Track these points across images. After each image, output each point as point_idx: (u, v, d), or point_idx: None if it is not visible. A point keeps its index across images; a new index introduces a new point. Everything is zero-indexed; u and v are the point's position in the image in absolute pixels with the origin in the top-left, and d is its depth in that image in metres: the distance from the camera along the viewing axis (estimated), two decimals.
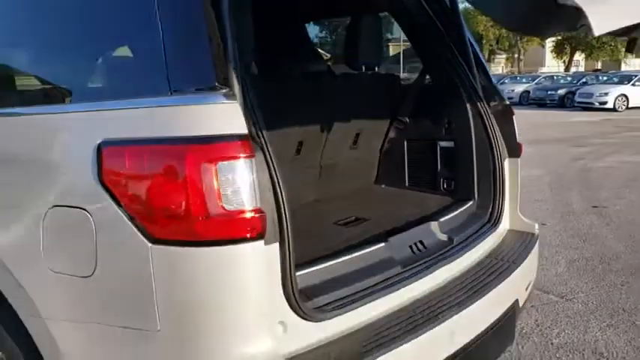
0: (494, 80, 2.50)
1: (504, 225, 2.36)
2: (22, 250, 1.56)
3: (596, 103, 21.72)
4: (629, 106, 21.65)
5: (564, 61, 50.23)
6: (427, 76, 2.68)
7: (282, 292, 1.38)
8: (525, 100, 25.66)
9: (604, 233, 5.20)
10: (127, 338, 1.38)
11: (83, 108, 1.51)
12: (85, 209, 1.40)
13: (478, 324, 1.80)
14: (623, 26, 1.35)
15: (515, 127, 2.45)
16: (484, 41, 44.83)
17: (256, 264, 1.31)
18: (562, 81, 28.25)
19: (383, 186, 2.79)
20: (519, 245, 2.28)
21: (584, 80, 26.52)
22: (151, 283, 1.32)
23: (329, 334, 1.48)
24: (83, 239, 1.41)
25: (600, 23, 1.20)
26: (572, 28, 1.35)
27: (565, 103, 23.88)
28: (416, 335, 1.56)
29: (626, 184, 7.40)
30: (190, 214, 1.27)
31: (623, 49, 45.60)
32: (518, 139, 2.44)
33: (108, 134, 1.38)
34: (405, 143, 2.71)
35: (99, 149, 1.37)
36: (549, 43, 52.40)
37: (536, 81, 28.80)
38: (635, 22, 1.37)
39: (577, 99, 22.73)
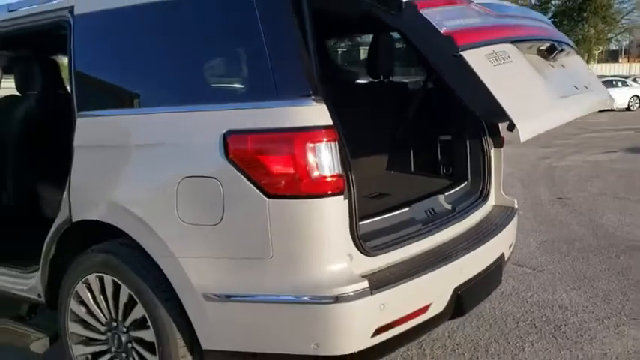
0: None
1: (491, 200, 3.05)
2: (159, 209, 2.16)
3: None
4: None
5: None
6: (429, 83, 3.34)
7: (350, 233, 2.01)
8: None
9: (567, 219, 5.97)
10: (247, 264, 2.00)
11: (211, 108, 2.12)
12: (214, 177, 2.02)
13: (478, 264, 2.47)
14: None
15: (499, 124, 3.13)
16: None
17: (337, 212, 1.95)
18: None
19: (392, 172, 3.44)
20: (503, 215, 2.96)
21: None
22: (267, 225, 1.94)
23: (379, 266, 2.13)
24: (212, 198, 2.02)
25: (525, 135, 1.81)
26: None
27: None
28: (436, 267, 2.22)
29: (584, 179, 8.25)
30: (296, 177, 1.90)
31: (587, 55, 47.19)
32: (501, 133, 3.12)
33: (231, 126, 2.01)
34: (412, 137, 3.37)
35: (224, 137, 2.00)
36: None
37: None
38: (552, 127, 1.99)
39: None
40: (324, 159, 1.92)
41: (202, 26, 2.23)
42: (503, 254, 2.76)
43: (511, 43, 2.10)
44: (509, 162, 9.38)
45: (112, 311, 2.44)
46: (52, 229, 2.60)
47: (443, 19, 1.89)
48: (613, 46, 72.70)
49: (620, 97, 23.89)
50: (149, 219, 2.18)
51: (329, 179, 1.93)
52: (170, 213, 2.12)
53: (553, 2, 48.61)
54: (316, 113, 1.94)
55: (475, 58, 1.85)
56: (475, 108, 2.14)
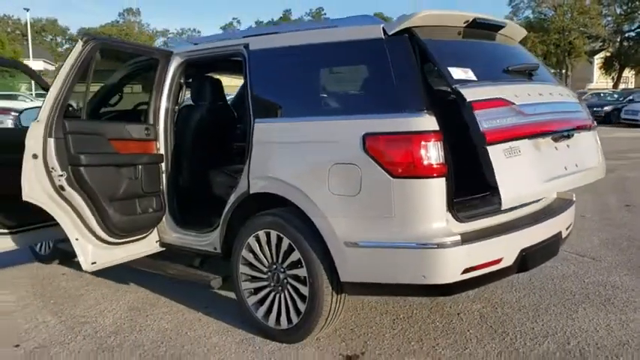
0: None
1: (554, 193, 3.91)
2: (316, 184, 3.18)
3: None
4: None
5: (613, 78, 50.33)
6: None
7: (447, 204, 2.97)
8: None
9: (633, 223, 6.63)
10: (376, 220, 3.00)
11: (355, 118, 3.15)
12: (355, 164, 3.04)
13: (538, 235, 3.36)
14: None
15: None
16: None
17: (440, 188, 2.91)
18: (608, 98, 28.95)
19: None
20: (562, 204, 3.82)
21: (630, 97, 27.26)
22: (391, 195, 2.94)
23: (469, 229, 3.05)
24: (353, 177, 3.04)
25: (505, 205, 2.83)
26: None
27: (611, 119, 24.75)
28: (507, 233, 3.14)
29: None
30: (413, 164, 2.89)
31: None
32: None
33: (369, 130, 3.02)
34: None
35: (363, 137, 3.02)
36: (597, 59, 52.57)
37: (583, 97, 29.62)
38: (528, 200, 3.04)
39: (623, 115, 23.65)
40: (432, 152, 2.90)
41: (348, 63, 3.28)
42: (560, 232, 3.63)
43: (527, 138, 3.04)
44: None
45: (274, 257, 3.50)
46: (232, 199, 3.70)
47: (484, 119, 2.85)
48: None
49: None
50: (308, 191, 3.23)
51: (435, 166, 2.90)
52: (323, 187, 3.16)
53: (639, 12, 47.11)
54: (427, 122, 2.92)
55: (494, 151, 2.84)
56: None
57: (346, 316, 3.86)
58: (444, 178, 2.91)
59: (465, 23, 3.35)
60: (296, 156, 3.35)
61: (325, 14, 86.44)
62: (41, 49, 67.06)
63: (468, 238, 2.94)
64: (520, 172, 2.98)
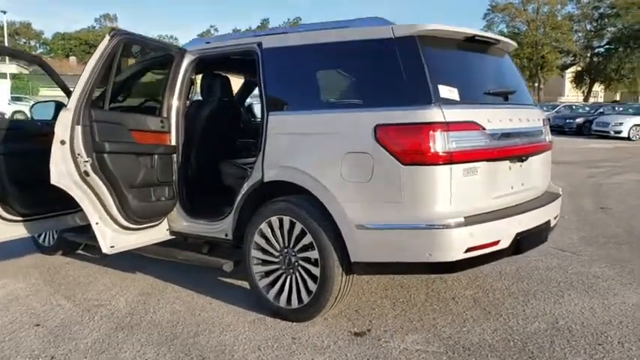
0: None
1: (544, 187, 4.22)
2: (329, 172, 3.42)
3: (612, 132, 23.47)
4: None
5: (583, 92, 51.74)
6: None
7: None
8: None
9: (608, 223, 7.02)
10: (386, 205, 3.26)
11: (367, 110, 3.41)
12: (367, 152, 3.30)
13: (531, 222, 3.66)
14: None
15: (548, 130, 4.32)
16: None
17: (445, 175, 3.19)
18: (580, 110, 29.83)
19: None
20: (551, 196, 4.13)
21: (601, 110, 28.16)
22: (400, 182, 3.20)
23: (471, 212, 3.32)
24: (365, 165, 3.30)
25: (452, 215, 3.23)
26: None
27: (582, 130, 25.55)
28: (505, 217, 3.43)
29: (629, 194, 9.22)
30: (421, 152, 3.16)
31: None
32: (549, 138, 4.30)
33: (380, 121, 3.29)
34: None
35: (375, 128, 3.29)
36: (569, 74, 54.02)
37: (555, 110, 30.47)
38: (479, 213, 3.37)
39: (594, 127, 24.41)
40: (438, 142, 3.18)
41: (360, 60, 3.55)
42: (549, 221, 3.94)
43: (487, 161, 3.39)
44: (558, 178, 10.46)
45: (286, 241, 3.74)
46: (245, 188, 3.93)
47: (455, 140, 3.20)
48: None
49: None
50: (322, 178, 3.48)
51: (441, 154, 3.18)
52: (336, 174, 3.41)
53: (609, 29, 48.64)
54: (435, 114, 3.20)
55: (456, 170, 3.22)
56: None
57: (349, 300, 4.11)
58: (449, 166, 3.19)
59: (464, 38, 3.65)
60: (310, 146, 3.59)
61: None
62: None
63: (470, 221, 3.22)
64: (472, 190, 3.34)
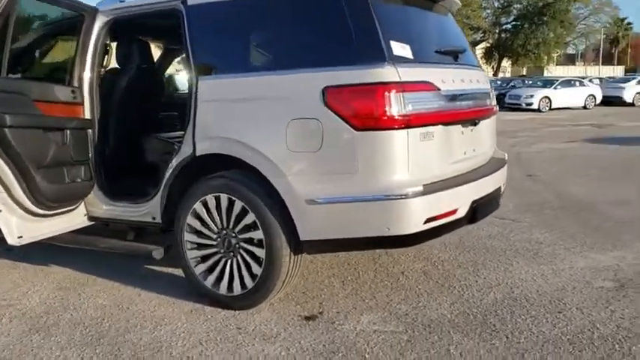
0: None
1: (491, 153, 4.06)
2: (272, 142, 3.06)
3: (523, 104, 24.43)
4: (552, 107, 24.45)
5: (493, 67, 53.66)
6: None
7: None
8: None
9: (537, 189, 7.09)
10: (340, 177, 2.94)
11: (313, 71, 3.04)
12: (315, 118, 2.96)
13: (485, 188, 3.48)
14: None
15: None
16: None
17: (404, 140, 2.91)
18: (492, 84, 30.76)
19: None
20: (498, 162, 3.97)
21: (512, 84, 29.25)
22: (354, 150, 2.89)
23: (428, 179, 3.07)
24: (314, 133, 2.96)
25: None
26: None
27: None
28: (463, 184, 3.21)
29: (549, 161, 9.45)
30: (376, 116, 2.86)
31: (546, 57, 49.36)
32: (494, 104, 4.14)
33: (329, 83, 2.94)
34: None
35: (323, 90, 2.94)
36: (479, 50, 55.87)
37: None
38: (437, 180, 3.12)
39: (507, 100, 25.26)
40: (395, 104, 2.88)
41: (302, 14, 3.18)
42: (500, 187, 3.78)
43: (442, 124, 3.14)
44: None
45: (224, 221, 3.35)
46: (173, 164, 3.49)
47: (411, 102, 2.92)
48: (570, 50, 75.84)
49: (578, 96, 25.64)
50: (264, 149, 3.10)
51: (398, 118, 2.89)
52: (281, 144, 3.05)
53: (515, 6, 50.61)
54: (390, 72, 2.90)
55: (413, 134, 2.94)
56: None
57: (295, 282, 3.79)
58: (406, 130, 2.91)
59: None
60: (248, 113, 3.21)
61: None
62: None
63: (429, 190, 2.97)
64: (429, 156, 3.09)
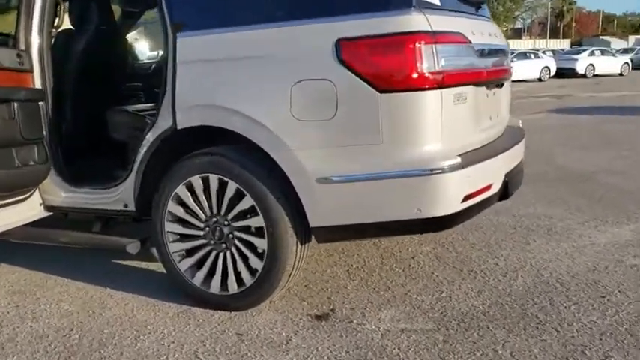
0: None
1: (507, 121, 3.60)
2: (273, 109, 2.52)
3: None
4: None
5: None
6: None
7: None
8: None
9: (527, 161, 6.74)
10: (358, 149, 2.43)
11: (323, 20, 2.48)
12: (328, 79, 2.43)
13: (515, 159, 3.05)
14: None
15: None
16: None
17: (437, 101, 2.41)
18: None
19: None
20: (518, 131, 3.51)
21: None
22: (377, 116, 2.38)
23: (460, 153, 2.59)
24: (326, 97, 2.43)
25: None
26: None
27: None
28: (498, 155, 2.76)
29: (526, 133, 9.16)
30: (404, 74, 2.35)
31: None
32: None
33: (344, 34, 2.41)
34: None
35: (337, 43, 2.41)
36: None
37: None
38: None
39: None
40: (426, 58, 2.38)
41: None
42: (522, 159, 3.35)
43: (474, 84, 2.69)
44: None
45: (214, 208, 2.80)
46: (149, 140, 2.89)
47: (444, 57, 2.42)
48: (518, 24, 77.08)
49: (533, 68, 25.77)
50: (264, 119, 2.55)
51: (430, 75, 2.39)
52: (284, 112, 2.51)
53: None
54: (419, 20, 2.39)
55: (447, 95, 2.46)
56: None
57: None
58: (440, 90, 2.42)
59: None
60: (242, 75, 2.64)
61: None
62: None
63: (466, 162, 2.49)
64: (462, 122, 2.63)
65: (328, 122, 2.46)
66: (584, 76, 27.41)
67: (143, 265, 3.53)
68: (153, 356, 2.48)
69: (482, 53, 2.79)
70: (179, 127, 2.79)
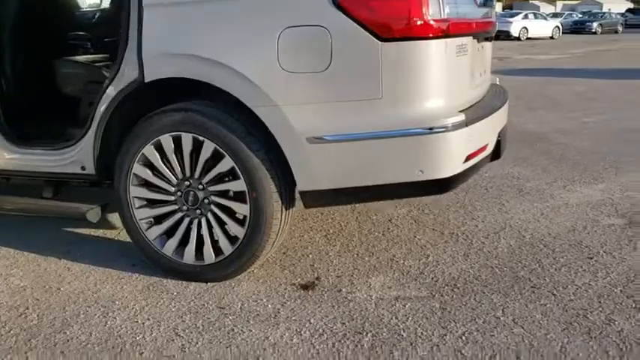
0: None
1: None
2: (258, 59, 2.25)
3: None
4: None
5: None
6: None
7: None
8: None
9: None
10: (356, 106, 2.21)
11: None
12: (321, 25, 2.18)
13: (504, 118, 2.92)
14: None
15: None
16: None
17: (442, 52, 2.22)
18: None
19: None
20: (500, 89, 3.37)
21: None
22: (378, 68, 2.16)
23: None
24: (319, 46, 2.19)
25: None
26: None
27: None
28: (494, 112, 2.61)
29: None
30: (409, 21, 2.13)
31: None
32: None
33: None
34: None
35: None
36: None
37: None
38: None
39: None
40: (432, 4, 2.17)
41: None
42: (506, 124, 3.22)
43: (472, 36, 2.53)
44: None
45: (187, 170, 2.52)
46: (111, 94, 2.56)
47: (447, 2, 2.25)
48: None
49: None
50: (247, 69, 2.28)
51: (436, 23, 2.18)
52: (271, 62, 2.25)
53: None
54: None
55: (451, 46, 2.31)
56: None
57: None
58: (446, 39, 2.22)
59: None
60: (222, 20, 2.35)
61: None
62: None
63: (469, 120, 2.32)
64: (462, 76, 2.49)
65: (321, 74, 2.22)
66: (517, 38, 27.99)
67: (100, 232, 3.22)
68: (127, 335, 2.22)
69: (478, 3, 2.60)
70: (147, 80, 2.48)
